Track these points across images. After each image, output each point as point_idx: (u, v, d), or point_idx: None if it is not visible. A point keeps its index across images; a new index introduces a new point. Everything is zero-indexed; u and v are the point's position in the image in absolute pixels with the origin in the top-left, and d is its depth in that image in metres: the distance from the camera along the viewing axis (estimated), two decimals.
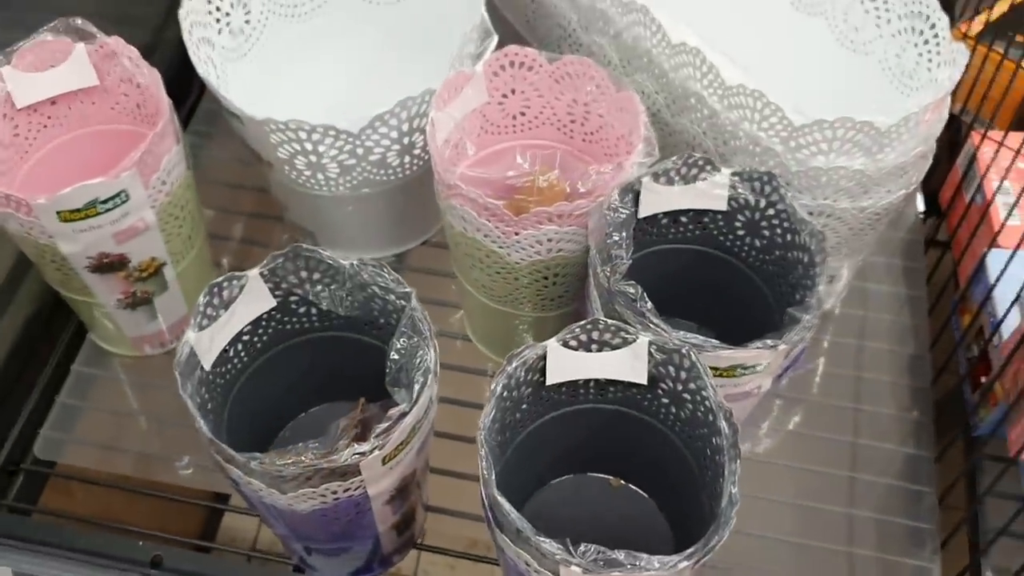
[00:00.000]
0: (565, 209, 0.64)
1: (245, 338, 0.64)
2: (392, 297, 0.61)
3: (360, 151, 0.72)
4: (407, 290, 0.60)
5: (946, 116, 0.70)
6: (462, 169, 0.71)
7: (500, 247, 0.67)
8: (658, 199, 0.67)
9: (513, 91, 0.75)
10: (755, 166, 0.71)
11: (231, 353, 0.63)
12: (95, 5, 0.82)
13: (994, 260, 0.78)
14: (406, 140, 0.73)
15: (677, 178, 0.67)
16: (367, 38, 0.90)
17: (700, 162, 0.66)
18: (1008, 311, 0.74)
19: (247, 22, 0.83)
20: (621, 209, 0.62)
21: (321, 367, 0.69)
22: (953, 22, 0.98)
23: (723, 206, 0.68)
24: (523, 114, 0.77)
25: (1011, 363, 0.72)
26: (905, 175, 0.71)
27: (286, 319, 0.65)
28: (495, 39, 0.76)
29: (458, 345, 0.85)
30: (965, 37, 0.92)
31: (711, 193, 0.68)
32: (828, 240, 0.75)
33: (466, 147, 0.72)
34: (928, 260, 0.92)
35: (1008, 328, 0.75)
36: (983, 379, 0.78)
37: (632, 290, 0.60)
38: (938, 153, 0.97)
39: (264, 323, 0.64)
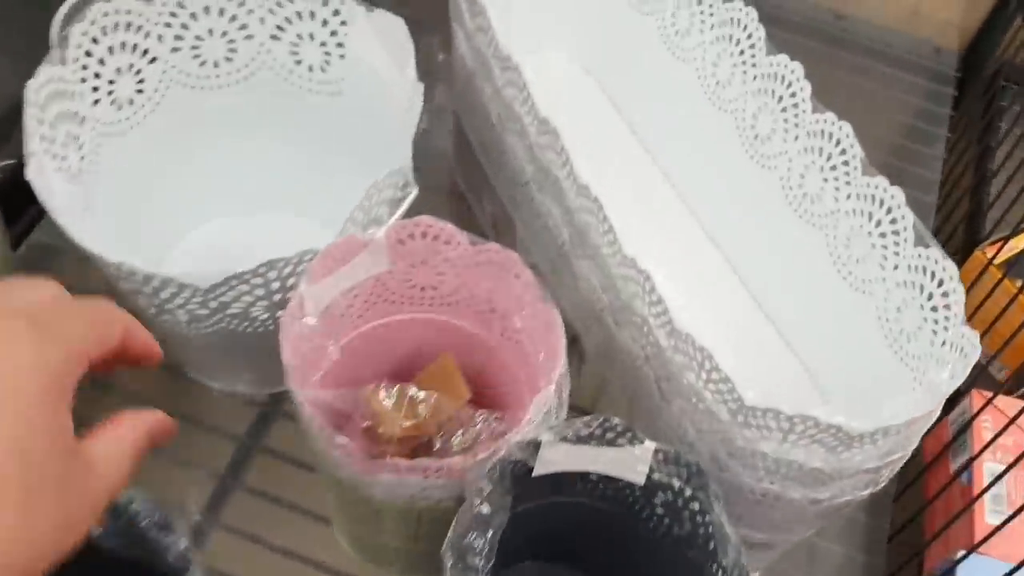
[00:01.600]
0: (428, 465, 0.50)
1: None
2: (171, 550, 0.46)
3: (214, 304, 0.58)
4: (183, 549, 0.46)
5: (935, 418, 0.56)
6: (317, 379, 0.56)
7: (357, 480, 0.53)
8: (561, 460, 0.53)
9: (424, 262, 0.61)
10: (696, 419, 0.58)
11: None
12: None
13: (968, 571, 0.65)
14: (277, 297, 0.59)
15: (589, 439, 0.53)
16: (288, 131, 0.76)
17: (619, 428, 0.52)
18: None
19: (140, 91, 0.69)
20: (487, 502, 0.48)
21: None
22: (977, 244, 0.85)
23: (640, 480, 0.54)
24: (435, 288, 0.63)
25: None
26: (875, 473, 0.57)
27: None
28: (414, 192, 0.62)
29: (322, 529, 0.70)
30: (989, 264, 0.78)
31: (627, 463, 0.54)
32: (772, 515, 0.62)
33: (334, 340, 0.58)
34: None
35: None
36: None
37: None
38: None
39: None
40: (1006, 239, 0.79)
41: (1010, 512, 0.67)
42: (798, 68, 0.66)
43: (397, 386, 0.54)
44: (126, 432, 0.36)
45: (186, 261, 0.77)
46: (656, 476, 0.53)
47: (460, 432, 0.52)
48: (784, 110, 0.68)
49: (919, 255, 0.60)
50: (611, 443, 0.53)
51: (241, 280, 0.56)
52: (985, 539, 0.63)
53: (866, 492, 0.58)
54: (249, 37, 0.72)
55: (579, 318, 0.70)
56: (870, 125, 0.68)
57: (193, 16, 0.69)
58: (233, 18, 0.70)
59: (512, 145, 0.70)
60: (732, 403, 0.54)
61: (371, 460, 0.50)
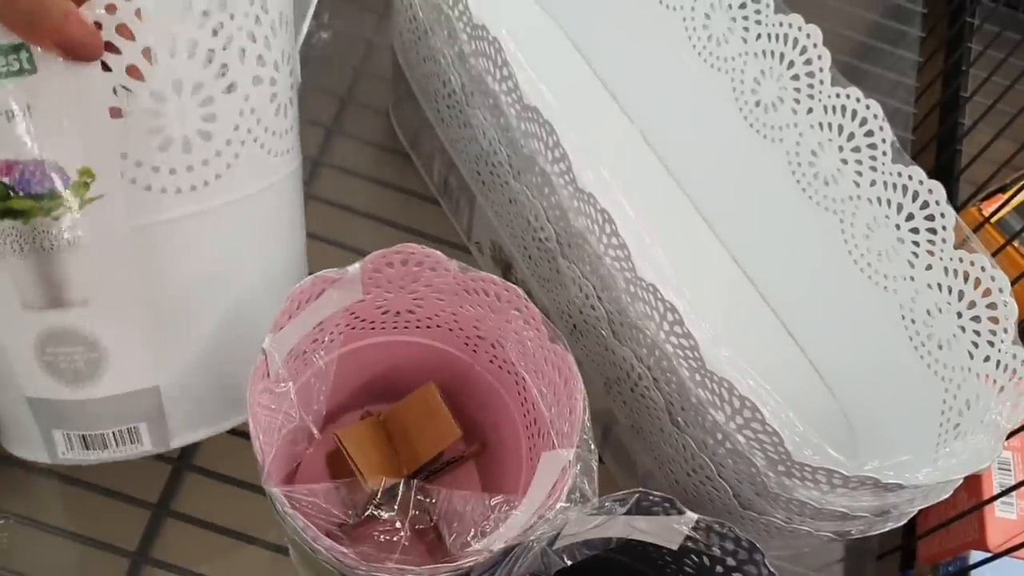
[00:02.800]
0: (435, 570, 0.42)
1: None
2: None
3: None
4: None
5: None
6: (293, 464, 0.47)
7: (342, 572, 0.45)
8: (589, 531, 0.46)
9: (402, 288, 0.51)
10: (718, 455, 0.51)
11: None
12: None
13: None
14: None
15: (619, 511, 0.46)
16: None
17: (655, 499, 0.45)
18: None
19: None
20: None
21: None
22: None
23: (673, 545, 0.48)
24: (411, 312, 0.53)
25: None
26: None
27: None
28: None
29: None
30: (985, 220, 0.72)
31: (663, 533, 0.47)
32: (789, 542, 0.56)
33: (312, 411, 0.48)
34: None
35: None
36: None
37: None
38: None
39: None
40: (1002, 191, 0.74)
41: (1021, 505, 0.64)
42: (815, 32, 0.57)
43: (400, 484, 0.46)
44: None
45: None
46: (692, 543, 0.47)
47: (473, 530, 0.44)
48: (795, 78, 0.59)
49: (960, 259, 0.53)
50: (646, 512, 0.46)
51: None
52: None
53: (903, 522, 0.53)
54: None
55: (558, 312, 0.62)
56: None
57: None
58: None
59: (481, 121, 0.60)
60: (773, 453, 0.47)
61: (372, 564, 0.42)
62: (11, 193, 0.40)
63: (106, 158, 0.41)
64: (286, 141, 0.50)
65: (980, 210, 0.73)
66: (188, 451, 0.62)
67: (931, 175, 0.76)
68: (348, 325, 0.52)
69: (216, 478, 0.62)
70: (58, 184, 0.40)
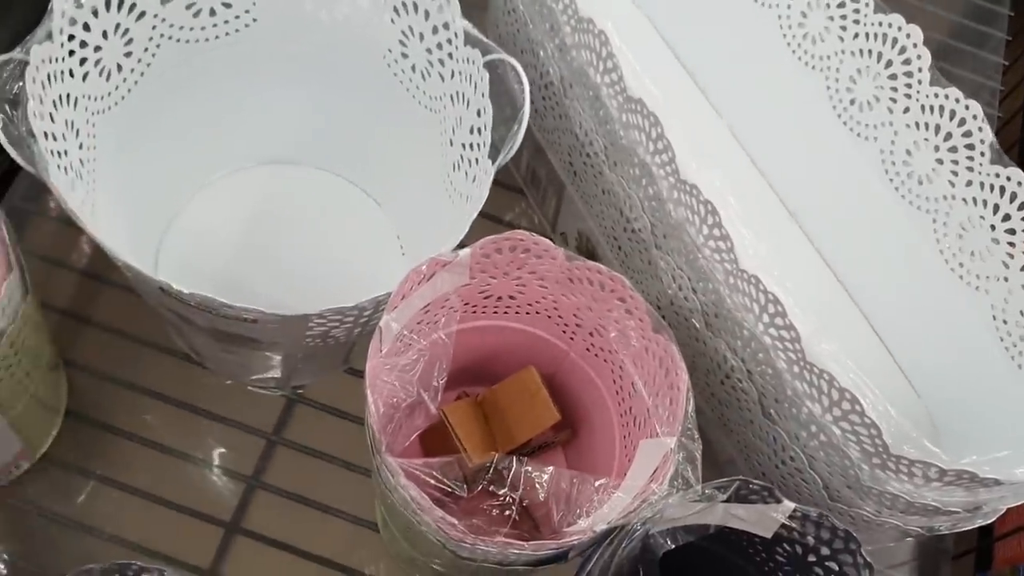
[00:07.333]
0: (541, 546, 0.43)
1: None
2: None
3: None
4: None
5: None
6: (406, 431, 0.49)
7: (445, 544, 0.46)
8: (686, 517, 0.47)
9: (506, 274, 0.53)
10: (810, 447, 0.52)
11: None
12: None
13: None
14: (365, 318, 0.51)
15: (719, 498, 0.47)
16: (313, 76, 0.65)
17: (755, 487, 0.46)
18: None
19: (128, 54, 0.57)
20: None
21: None
22: None
23: (767, 534, 0.49)
24: (512, 298, 0.55)
25: None
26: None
27: None
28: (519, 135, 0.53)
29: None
30: None
31: (759, 521, 0.48)
32: (871, 535, 0.57)
33: (431, 387, 0.50)
34: None
35: None
36: None
37: None
38: None
39: None
40: None
41: None
42: (916, 32, 0.58)
43: (511, 460, 0.47)
44: None
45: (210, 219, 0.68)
46: (784, 532, 0.48)
47: (577, 510, 0.45)
48: (893, 77, 0.60)
49: None
50: (744, 500, 0.47)
51: (336, 313, 0.48)
52: None
53: (993, 519, 0.54)
54: None
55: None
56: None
57: None
58: None
59: (578, 112, 0.61)
60: (870, 446, 0.48)
61: (480, 536, 0.43)
62: None
63: None
64: None
65: None
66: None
67: None
68: (452, 308, 0.54)
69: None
70: None
